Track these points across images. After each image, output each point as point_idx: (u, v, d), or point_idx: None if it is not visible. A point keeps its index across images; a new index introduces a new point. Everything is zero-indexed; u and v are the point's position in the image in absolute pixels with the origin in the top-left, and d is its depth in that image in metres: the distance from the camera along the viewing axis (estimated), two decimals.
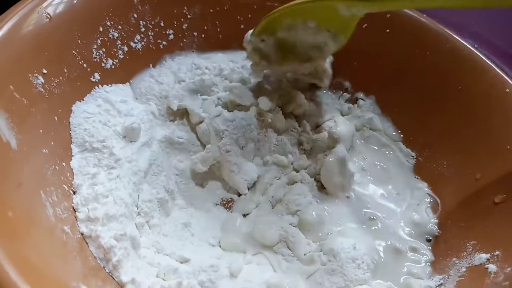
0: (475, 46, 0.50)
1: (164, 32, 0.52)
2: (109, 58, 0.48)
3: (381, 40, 0.53)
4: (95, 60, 0.46)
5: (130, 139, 0.45)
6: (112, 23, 0.47)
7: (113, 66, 0.48)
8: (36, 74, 0.39)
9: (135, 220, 0.42)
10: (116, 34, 0.48)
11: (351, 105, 0.57)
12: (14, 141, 0.35)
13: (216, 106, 0.49)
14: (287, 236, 0.44)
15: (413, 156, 0.53)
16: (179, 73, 0.51)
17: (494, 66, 0.47)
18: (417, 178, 0.51)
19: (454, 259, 0.43)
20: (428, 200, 0.49)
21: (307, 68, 0.50)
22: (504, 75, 0.46)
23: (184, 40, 0.54)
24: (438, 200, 0.49)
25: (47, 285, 0.30)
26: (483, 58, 0.48)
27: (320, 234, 0.45)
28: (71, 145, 0.42)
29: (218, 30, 0.55)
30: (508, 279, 0.37)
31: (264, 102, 0.48)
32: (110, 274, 0.37)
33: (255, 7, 0.55)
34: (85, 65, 0.45)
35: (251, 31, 0.48)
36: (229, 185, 0.48)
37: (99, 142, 0.43)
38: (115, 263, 0.37)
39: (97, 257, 0.37)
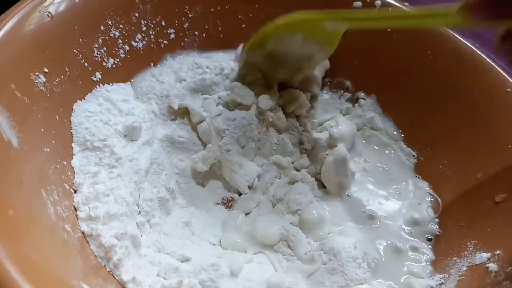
0: (476, 45, 0.50)
1: (165, 31, 0.52)
2: (110, 57, 0.48)
3: (382, 39, 0.53)
4: (96, 59, 0.46)
5: (131, 138, 0.45)
6: (113, 22, 0.47)
7: (114, 65, 0.48)
8: (38, 73, 0.39)
9: (136, 219, 0.42)
10: (117, 33, 0.48)
11: (351, 105, 0.57)
12: (16, 140, 0.35)
13: (217, 106, 0.48)
14: (287, 235, 0.44)
15: (414, 156, 0.53)
16: (180, 72, 0.51)
17: (495, 66, 0.47)
18: (418, 178, 0.51)
19: (455, 258, 0.43)
20: (429, 199, 0.49)
21: (297, 78, 0.51)
22: (505, 74, 0.46)
23: (185, 39, 0.54)
24: (439, 199, 0.49)
25: (48, 284, 0.30)
26: (484, 57, 0.48)
27: (320, 233, 0.45)
28: (72, 144, 0.42)
29: (219, 29, 0.55)
30: (509, 278, 0.37)
31: (265, 101, 0.48)
32: (111, 273, 0.37)
33: (257, 6, 0.55)
34: (86, 64, 0.45)
35: (240, 48, 0.49)
36: (230, 185, 0.48)
37: (100, 141, 0.43)
38: (116, 262, 0.37)
39: (98, 256, 0.38)
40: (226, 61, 0.52)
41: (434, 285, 0.42)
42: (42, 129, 0.39)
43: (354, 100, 0.57)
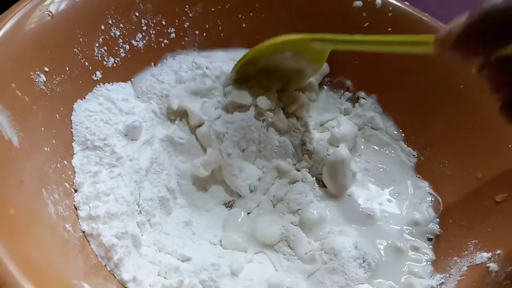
0: None
1: (165, 31, 0.52)
2: (110, 57, 0.48)
3: None
4: (96, 58, 0.46)
5: (131, 138, 0.45)
6: (113, 21, 0.47)
7: (114, 65, 0.48)
8: (38, 72, 0.39)
9: (136, 219, 0.42)
10: (117, 33, 0.48)
11: (351, 104, 0.57)
12: (16, 139, 0.35)
13: (216, 109, 0.48)
14: (288, 235, 0.44)
15: (414, 155, 0.53)
16: (180, 72, 0.51)
17: None
18: (419, 177, 0.51)
19: (455, 258, 0.43)
20: (430, 199, 0.49)
21: (292, 87, 0.52)
22: None
23: (186, 38, 0.54)
24: (440, 199, 0.49)
25: (48, 283, 0.30)
26: None
27: (321, 233, 0.45)
28: (73, 143, 0.42)
29: (220, 28, 0.55)
30: (509, 278, 0.37)
31: (263, 101, 0.48)
32: (112, 272, 0.37)
33: (257, 5, 0.55)
34: (86, 63, 0.45)
35: (233, 67, 0.50)
36: (232, 189, 0.48)
37: (100, 140, 0.43)
38: (116, 261, 0.37)
39: (99, 255, 0.38)
40: (226, 61, 0.52)
41: (434, 285, 0.42)
42: (42, 128, 0.39)
43: (354, 100, 0.57)
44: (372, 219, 0.47)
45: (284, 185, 0.48)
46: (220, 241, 0.45)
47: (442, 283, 0.42)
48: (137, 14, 0.49)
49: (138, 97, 0.49)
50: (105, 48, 0.47)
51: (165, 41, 0.52)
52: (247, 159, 0.48)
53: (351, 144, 0.52)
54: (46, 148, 0.38)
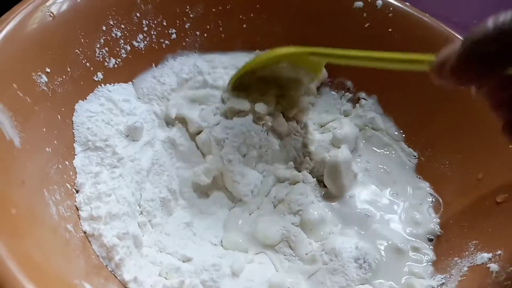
0: None
1: (166, 32, 0.52)
2: (112, 57, 0.48)
3: (384, 40, 0.53)
4: (98, 59, 0.46)
5: (132, 138, 0.45)
6: (115, 22, 0.47)
7: (115, 65, 0.48)
8: (40, 73, 0.39)
9: (137, 219, 0.42)
10: (119, 33, 0.48)
11: (351, 105, 0.57)
12: (18, 140, 0.35)
13: (214, 115, 0.48)
14: (288, 235, 0.44)
15: (415, 156, 0.53)
16: (181, 74, 0.51)
17: None
18: (419, 178, 0.51)
19: (456, 258, 0.43)
20: (430, 199, 0.49)
21: (291, 94, 0.51)
22: None
23: (187, 39, 0.54)
24: (440, 200, 0.49)
25: (49, 283, 0.30)
26: None
27: (321, 234, 0.45)
28: (74, 144, 0.42)
29: (221, 29, 0.55)
30: (510, 278, 0.37)
31: (261, 107, 0.47)
32: (113, 272, 0.37)
33: (258, 6, 0.55)
34: (88, 64, 0.45)
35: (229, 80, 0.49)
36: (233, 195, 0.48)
37: (102, 141, 0.43)
38: (117, 262, 0.37)
39: (100, 255, 0.38)
40: (227, 70, 0.52)
41: (435, 285, 0.42)
42: (44, 129, 0.39)
43: (355, 100, 0.57)
44: (372, 220, 0.47)
45: (285, 186, 0.48)
46: (221, 241, 0.45)
47: (443, 283, 0.42)
48: (138, 15, 0.49)
49: (139, 98, 0.50)
50: (106, 49, 0.47)
51: (166, 42, 0.52)
52: (248, 165, 0.47)
53: (352, 146, 0.52)
54: (47, 149, 0.39)
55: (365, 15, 0.53)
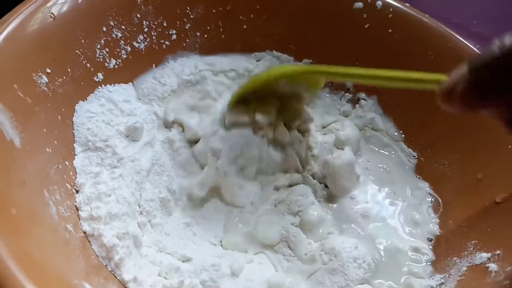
0: (477, 46, 0.50)
1: (167, 32, 0.52)
2: (112, 58, 0.48)
3: (383, 40, 0.53)
4: (98, 60, 0.46)
5: (132, 139, 0.45)
6: (115, 23, 0.47)
7: (116, 66, 0.48)
8: (40, 74, 0.40)
9: (137, 219, 0.42)
10: (119, 34, 0.48)
11: (351, 106, 0.57)
12: (18, 140, 0.35)
13: (212, 126, 0.47)
14: (288, 235, 0.44)
15: (414, 156, 0.53)
16: (182, 75, 0.51)
17: None
18: (419, 178, 0.51)
19: (455, 258, 0.43)
20: (430, 199, 0.49)
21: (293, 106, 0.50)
22: None
23: (187, 40, 0.54)
24: (440, 200, 0.49)
25: (49, 282, 0.30)
26: None
27: (321, 233, 0.45)
28: (74, 144, 0.42)
29: (221, 30, 0.55)
30: (508, 278, 0.37)
31: (261, 118, 0.46)
32: (112, 272, 0.37)
33: (258, 7, 0.55)
34: (88, 64, 0.45)
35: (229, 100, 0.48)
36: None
37: (102, 141, 0.43)
38: (117, 262, 0.37)
39: (100, 255, 0.38)
40: (229, 70, 0.52)
41: (434, 285, 0.42)
42: (44, 129, 0.39)
43: (355, 101, 0.57)
44: (371, 220, 0.47)
45: (285, 188, 0.48)
46: (221, 241, 0.45)
47: (442, 283, 0.42)
48: (138, 15, 0.49)
49: (139, 99, 0.50)
50: (107, 49, 0.47)
51: (167, 42, 0.52)
52: (245, 177, 0.46)
53: (355, 147, 0.52)
54: (47, 149, 0.39)
55: (365, 15, 0.53)
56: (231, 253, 0.44)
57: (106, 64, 0.47)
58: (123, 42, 0.48)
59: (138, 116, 0.46)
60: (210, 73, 0.52)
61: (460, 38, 0.50)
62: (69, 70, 0.43)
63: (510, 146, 0.44)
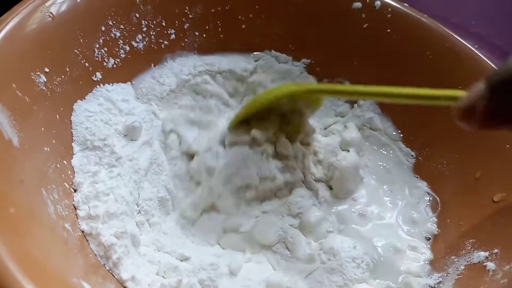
0: (476, 46, 0.50)
1: (165, 32, 0.52)
2: (110, 57, 0.48)
3: (382, 40, 0.53)
4: (97, 59, 0.46)
5: (131, 138, 0.45)
6: (114, 22, 0.47)
7: (114, 66, 0.48)
8: (39, 73, 0.40)
9: (135, 218, 0.42)
10: (118, 34, 0.48)
11: (348, 106, 0.57)
12: (16, 139, 0.35)
13: (210, 143, 0.47)
14: (286, 236, 0.44)
15: (412, 156, 0.53)
16: (181, 75, 0.51)
17: (494, 66, 0.47)
18: (417, 177, 0.52)
19: (453, 257, 0.43)
20: (428, 198, 0.49)
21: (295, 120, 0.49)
22: None
23: (186, 39, 0.54)
24: (438, 199, 0.49)
25: (48, 281, 0.30)
26: (483, 58, 0.48)
27: (320, 233, 0.45)
28: (73, 144, 0.42)
29: (220, 30, 0.55)
30: (506, 276, 0.37)
31: (258, 133, 0.45)
32: (110, 271, 0.37)
33: (257, 7, 0.55)
34: (87, 64, 0.45)
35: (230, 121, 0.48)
36: None
37: (100, 141, 0.43)
38: (115, 261, 0.37)
39: (98, 254, 0.38)
40: (227, 65, 0.52)
41: (432, 284, 0.42)
42: (42, 129, 0.39)
43: (353, 100, 0.57)
44: (370, 219, 0.47)
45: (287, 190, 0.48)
46: (219, 241, 0.45)
47: (440, 282, 0.42)
48: (137, 15, 0.49)
49: (138, 98, 0.50)
50: (105, 49, 0.47)
51: (165, 42, 0.52)
52: (243, 199, 0.45)
53: (359, 149, 0.52)
54: (46, 148, 0.39)
55: (363, 15, 0.53)
56: (229, 252, 0.44)
57: (105, 64, 0.47)
58: (121, 41, 0.48)
59: (137, 116, 0.47)
60: (208, 77, 0.52)
61: (458, 38, 0.50)
62: (68, 70, 0.43)
63: (508, 146, 0.44)
